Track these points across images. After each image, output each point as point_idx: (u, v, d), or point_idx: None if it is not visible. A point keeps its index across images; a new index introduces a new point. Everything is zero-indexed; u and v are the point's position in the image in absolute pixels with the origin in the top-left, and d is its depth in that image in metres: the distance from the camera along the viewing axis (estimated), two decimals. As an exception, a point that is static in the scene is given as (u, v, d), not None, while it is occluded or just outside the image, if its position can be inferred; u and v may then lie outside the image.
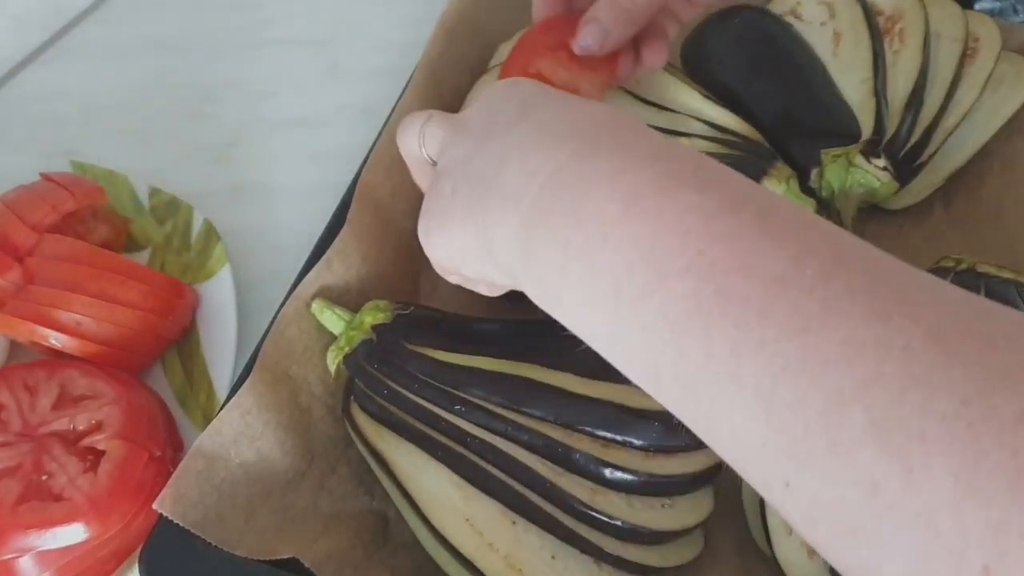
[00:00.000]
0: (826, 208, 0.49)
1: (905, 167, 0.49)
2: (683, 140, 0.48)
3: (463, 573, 0.37)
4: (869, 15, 0.52)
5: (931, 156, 0.49)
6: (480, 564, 0.36)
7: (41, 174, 0.52)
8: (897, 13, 0.52)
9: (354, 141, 0.55)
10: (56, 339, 0.45)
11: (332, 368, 0.42)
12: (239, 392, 0.40)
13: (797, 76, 0.51)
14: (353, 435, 0.42)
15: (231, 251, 0.53)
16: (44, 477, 0.41)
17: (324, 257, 0.43)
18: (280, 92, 0.64)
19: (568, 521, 0.37)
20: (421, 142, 0.35)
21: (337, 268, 0.44)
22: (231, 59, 0.66)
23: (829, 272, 0.21)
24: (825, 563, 0.37)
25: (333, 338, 0.43)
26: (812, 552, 0.37)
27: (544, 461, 0.38)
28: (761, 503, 0.40)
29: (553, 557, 0.37)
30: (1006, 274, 0.41)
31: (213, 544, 0.37)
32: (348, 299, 0.44)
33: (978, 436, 0.17)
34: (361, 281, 0.45)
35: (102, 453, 0.42)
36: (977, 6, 0.59)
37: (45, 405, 0.43)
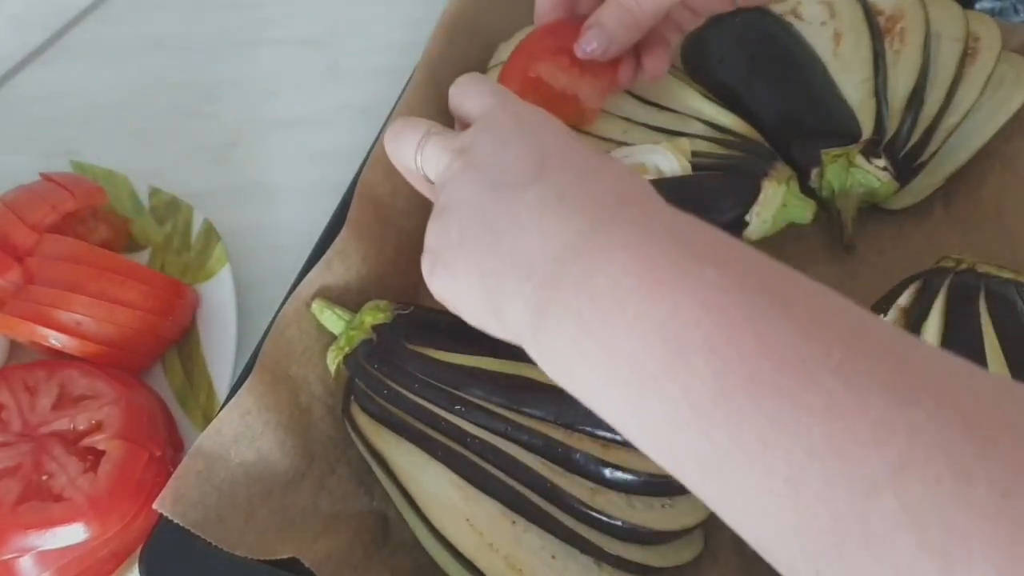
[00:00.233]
0: (826, 208, 0.49)
1: (905, 167, 0.49)
2: (683, 140, 0.48)
3: (463, 573, 0.37)
4: (869, 15, 0.52)
5: (931, 156, 0.49)
6: (480, 564, 0.36)
7: (41, 174, 0.52)
8: (897, 13, 0.52)
9: (354, 141, 0.55)
10: (56, 339, 0.45)
11: (332, 368, 0.42)
12: (239, 392, 0.40)
13: (797, 76, 0.51)
14: (353, 435, 0.42)
15: (231, 251, 0.53)
16: (44, 477, 0.41)
17: (324, 257, 0.43)
18: (280, 92, 0.64)
19: (568, 521, 0.37)
20: (418, 159, 0.34)
21: (337, 268, 0.44)
22: (231, 59, 0.66)
23: (854, 354, 0.21)
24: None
25: (333, 338, 0.43)
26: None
27: (544, 461, 0.38)
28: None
29: (553, 557, 0.37)
30: (1006, 274, 0.41)
31: (213, 544, 0.37)
32: (348, 299, 0.44)
33: (1022, 533, 0.17)
34: (361, 281, 0.45)
35: (102, 453, 0.42)
36: (977, 6, 0.59)
37: (45, 405, 0.43)
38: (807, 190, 0.49)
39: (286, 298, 0.44)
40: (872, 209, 0.50)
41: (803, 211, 0.47)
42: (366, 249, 0.45)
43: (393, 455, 0.39)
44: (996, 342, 0.38)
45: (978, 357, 0.38)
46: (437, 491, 0.38)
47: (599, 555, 0.37)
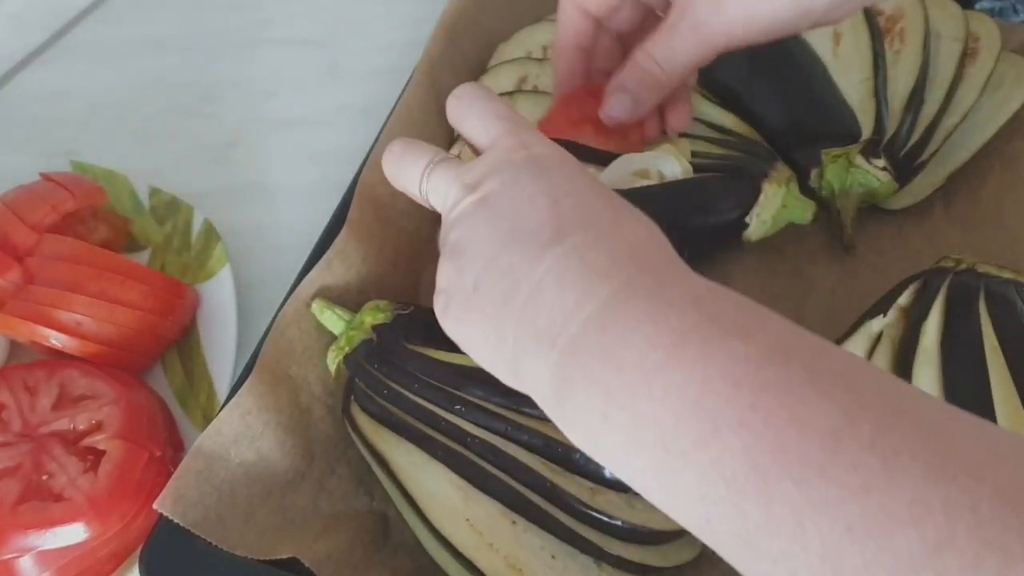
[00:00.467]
0: (826, 208, 0.49)
1: (905, 167, 0.49)
2: (683, 141, 0.48)
3: (463, 573, 0.37)
4: (869, 15, 0.52)
5: (931, 156, 0.49)
6: (480, 564, 0.36)
7: (41, 174, 0.52)
8: (897, 13, 0.52)
9: (354, 141, 0.55)
10: (56, 339, 0.45)
11: (332, 368, 0.42)
12: (239, 392, 0.40)
13: (797, 76, 0.51)
14: (353, 435, 0.42)
15: (231, 251, 0.53)
16: (44, 477, 0.41)
17: (324, 257, 0.43)
18: (280, 92, 0.64)
19: (568, 521, 0.37)
20: (423, 186, 0.34)
21: (337, 268, 0.44)
22: (231, 59, 0.66)
23: (885, 425, 0.21)
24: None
25: (333, 338, 0.43)
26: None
27: (544, 461, 0.38)
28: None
29: (553, 557, 0.37)
30: (1006, 274, 0.41)
31: (213, 544, 0.37)
32: (348, 299, 0.44)
33: None
34: (361, 281, 0.45)
35: (102, 453, 0.42)
36: (977, 6, 0.59)
37: (45, 405, 0.43)
38: (807, 190, 0.49)
39: (286, 298, 0.44)
40: (872, 209, 0.50)
41: (803, 212, 0.47)
42: (366, 249, 0.45)
43: (393, 455, 0.39)
44: (996, 342, 0.38)
45: (978, 357, 0.38)
46: (437, 491, 0.38)
47: (599, 555, 0.37)
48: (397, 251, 0.47)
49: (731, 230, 0.46)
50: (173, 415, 0.48)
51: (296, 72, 0.65)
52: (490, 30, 0.56)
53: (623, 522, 0.37)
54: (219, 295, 0.51)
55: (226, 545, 0.37)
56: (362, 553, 0.39)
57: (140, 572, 0.38)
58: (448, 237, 0.32)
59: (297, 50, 0.66)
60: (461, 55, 0.54)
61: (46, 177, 0.52)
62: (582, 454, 0.37)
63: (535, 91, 0.51)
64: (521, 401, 0.38)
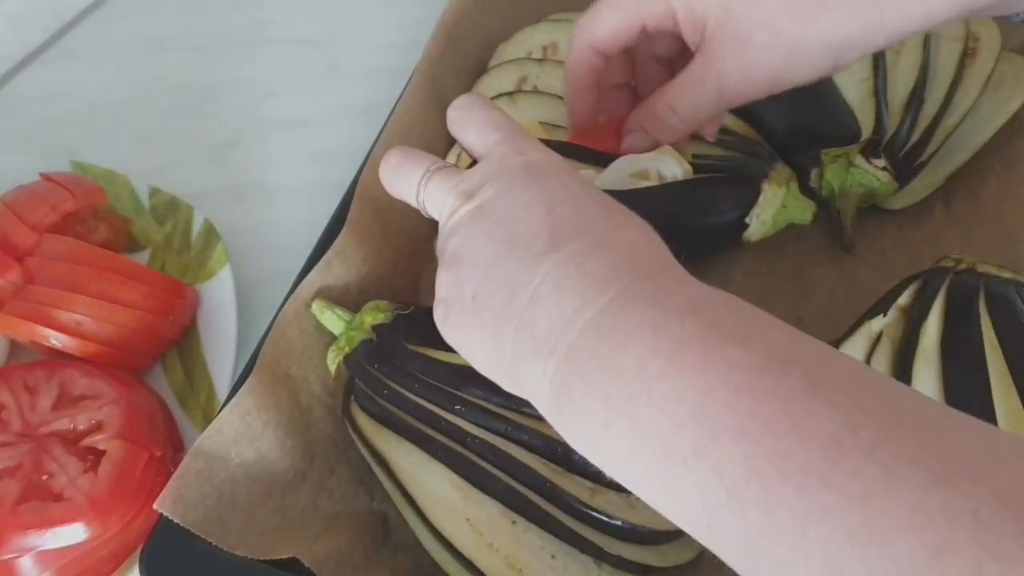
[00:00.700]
0: (826, 208, 0.49)
1: (905, 167, 0.49)
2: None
3: (463, 573, 0.37)
4: (869, 15, 0.52)
5: (931, 156, 0.49)
6: (480, 564, 0.36)
7: (41, 174, 0.52)
8: (897, 13, 0.52)
9: (354, 141, 0.55)
10: (56, 339, 0.45)
11: (332, 368, 0.42)
12: (239, 392, 0.40)
13: (797, 76, 0.51)
14: (353, 435, 0.42)
15: (231, 251, 0.53)
16: (44, 477, 0.41)
17: (324, 257, 0.43)
18: (280, 92, 0.64)
19: (568, 521, 0.37)
20: (421, 195, 0.34)
21: (337, 268, 0.44)
22: (231, 59, 0.66)
23: (885, 432, 0.21)
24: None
25: (333, 338, 0.43)
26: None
27: (544, 461, 0.38)
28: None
29: (553, 557, 0.37)
30: (1006, 274, 0.41)
31: (213, 544, 0.37)
32: (348, 299, 0.44)
33: None
34: (361, 281, 0.45)
35: (102, 453, 0.42)
36: (977, 6, 0.59)
37: (45, 405, 0.43)
38: (807, 190, 0.49)
39: (286, 298, 0.44)
40: (872, 209, 0.50)
41: (803, 212, 0.47)
42: (366, 249, 0.45)
43: (393, 455, 0.39)
44: (996, 342, 0.38)
45: (978, 357, 0.38)
46: (437, 491, 0.38)
47: (599, 555, 0.37)
48: (397, 251, 0.47)
49: (731, 230, 0.46)
50: (173, 415, 0.48)
51: (296, 72, 0.65)
52: (490, 30, 0.56)
53: (623, 522, 0.37)
54: (219, 295, 0.51)
55: (226, 545, 0.37)
56: (362, 553, 0.39)
57: (140, 572, 0.38)
58: (446, 246, 0.32)
59: (297, 50, 0.66)
60: (461, 55, 0.54)
61: (46, 177, 0.52)
62: (582, 454, 0.37)
63: (535, 91, 0.51)
64: (521, 401, 0.38)
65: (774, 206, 0.46)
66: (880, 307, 0.42)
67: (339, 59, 0.65)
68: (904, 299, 0.42)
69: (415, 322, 0.41)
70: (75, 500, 0.40)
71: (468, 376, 0.39)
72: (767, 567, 0.22)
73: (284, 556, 0.36)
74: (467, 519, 0.37)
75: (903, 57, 0.51)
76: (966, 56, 0.51)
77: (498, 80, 0.53)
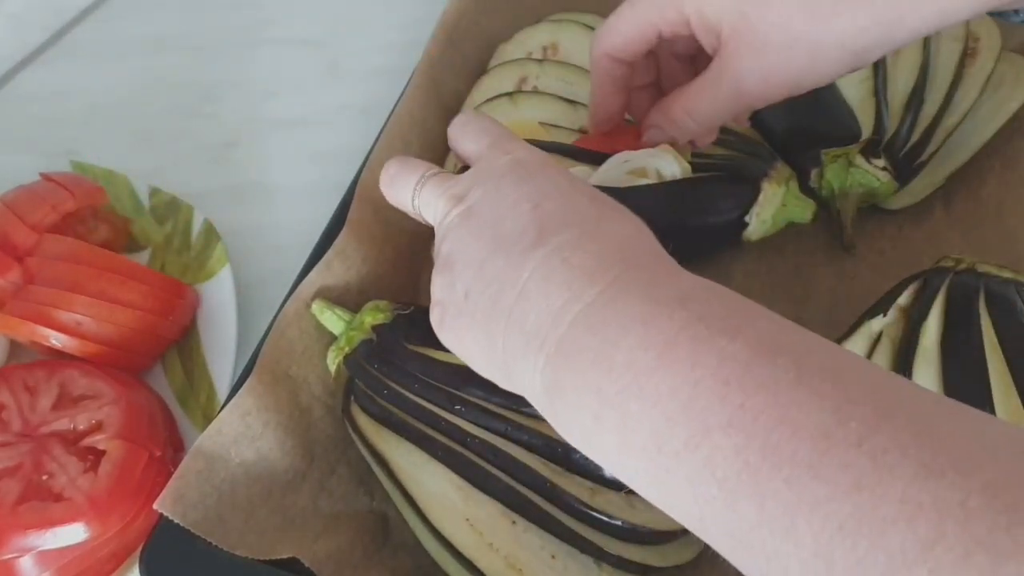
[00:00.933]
0: (826, 208, 0.49)
1: (905, 167, 0.49)
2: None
3: (463, 573, 0.37)
4: (869, 15, 0.52)
5: (931, 156, 0.49)
6: (480, 564, 0.36)
7: (41, 174, 0.52)
8: (897, 13, 0.52)
9: (354, 141, 0.55)
10: (56, 339, 0.45)
11: (332, 368, 0.42)
12: (239, 392, 0.40)
13: (797, 76, 0.51)
14: (353, 435, 0.42)
15: (231, 251, 0.53)
16: (44, 477, 0.41)
17: (324, 258, 0.43)
18: (280, 92, 0.64)
19: (568, 521, 0.37)
20: (416, 202, 0.35)
21: (337, 268, 0.44)
22: (231, 59, 0.66)
23: (874, 422, 0.21)
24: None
25: (333, 338, 0.43)
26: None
27: (544, 461, 0.38)
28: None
29: (553, 557, 0.37)
30: (1006, 274, 0.41)
31: (213, 544, 0.37)
32: (348, 299, 0.44)
33: None
34: (361, 281, 0.45)
35: (102, 453, 0.42)
36: (977, 6, 0.59)
37: (45, 405, 0.43)
38: (807, 190, 0.49)
39: (286, 298, 0.44)
40: (872, 209, 0.50)
41: (803, 211, 0.47)
42: (366, 249, 0.45)
43: (393, 455, 0.39)
44: (996, 342, 0.38)
45: (978, 357, 0.38)
46: (437, 491, 0.38)
47: (599, 555, 0.37)
48: (397, 251, 0.47)
49: (731, 229, 0.46)
50: (173, 415, 0.48)
51: (296, 72, 0.65)
52: (490, 31, 0.56)
53: (623, 522, 0.37)
54: (219, 295, 0.51)
55: (226, 545, 0.37)
56: (362, 553, 0.39)
57: (140, 572, 0.38)
58: (440, 249, 0.33)
59: (297, 50, 0.66)
60: (461, 55, 0.54)
61: (46, 177, 0.52)
62: (582, 454, 0.37)
63: (535, 91, 0.51)
64: (521, 401, 0.38)
65: (774, 205, 0.46)
66: (880, 307, 0.42)
67: (339, 59, 0.65)
68: (904, 299, 0.42)
69: (415, 322, 0.41)
70: (75, 500, 0.40)
71: (468, 376, 0.39)
72: (760, 559, 0.22)
73: (284, 556, 0.36)
74: (467, 519, 0.37)
75: (903, 57, 0.51)
76: (966, 56, 0.51)
77: (498, 80, 0.53)
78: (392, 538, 0.42)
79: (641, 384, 0.24)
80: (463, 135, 0.36)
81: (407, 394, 0.39)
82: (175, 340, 0.50)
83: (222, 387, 0.48)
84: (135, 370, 0.48)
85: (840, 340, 0.42)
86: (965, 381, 0.38)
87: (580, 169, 0.44)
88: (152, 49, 0.67)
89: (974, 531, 0.18)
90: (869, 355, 0.41)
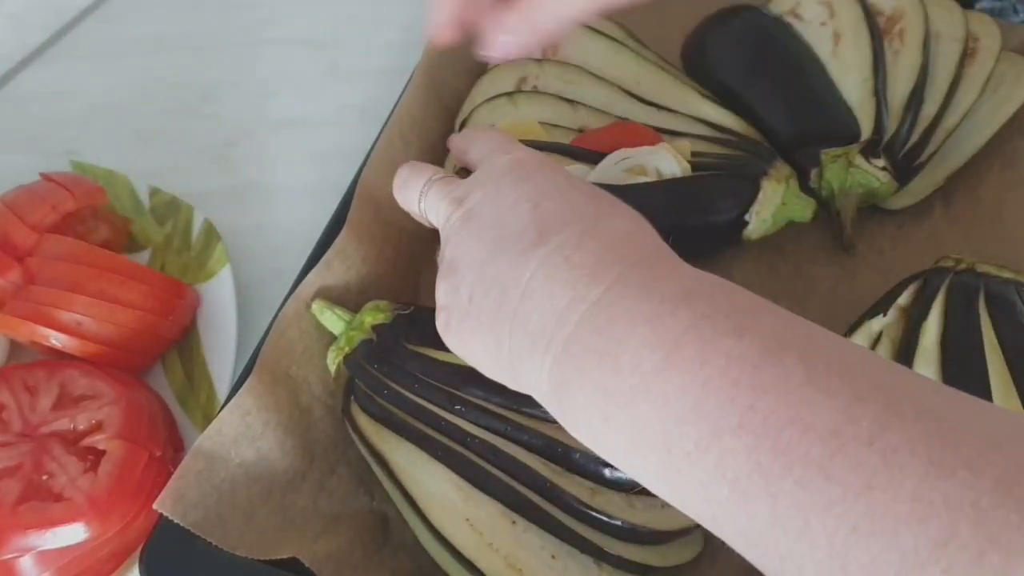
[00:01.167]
0: (826, 208, 0.49)
1: (905, 167, 0.49)
2: (683, 140, 0.48)
3: (463, 573, 0.37)
4: (869, 15, 0.52)
5: (931, 156, 0.49)
6: (480, 564, 0.36)
7: (41, 174, 0.52)
8: (897, 13, 0.52)
9: (354, 141, 0.55)
10: (56, 339, 0.45)
11: (332, 368, 0.42)
12: (239, 392, 0.40)
13: (797, 76, 0.51)
14: (353, 435, 0.42)
15: (231, 251, 0.53)
16: (44, 477, 0.41)
17: (324, 258, 0.43)
18: (280, 92, 0.64)
19: (568, 521, 0.37)
20: (422, 206, 0.35)
21: (337, 268, 0.44)
22: (231, 59, 0.66)
23: (884, 420, 0.21)
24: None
25: (333, 338, 0.43)
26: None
27: (544, 461, 0.38)
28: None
29: (553, 557, 0.37)
30: (1006, 274, 0.41)
31: (213, 544, 0.37)
32: (348, 299, 0.44)
33: None
34: (361, 281, 0.45)
35: (102, 453, 0.42)
36: (977, 6, 0.59)
37: (45, 405, 0.43)
38: (807, 190, 0.49)
39: (286, 298, 0.44)
40: (872, 209, 0.50)
41: (803, 209, 0.47)
42: (366, 249, 0.45)
43: (393, 455, 0.39)
44: (996, 342, 0.38)
45: (978, 357, 0.38)
46: (437, 491, 0.38)
47: (599, 555, 0.37)
48: (397, 251, 0.47)
49: (731, 228, 0.46)
50: (173, 415, 0.48)
51: (296, 72, 0.65)
52: (490, 30, 0.56)
53: (623, 522, 0.37)
54: (219, 295, 0.51)
55: (226, 545, 0.37)
56: (362, 553, 0.39)
57: (140, 572, 0.38)
58: (443, 254, 0.33)
59: (297, 50, 0.66)
60: (461, 55, 0.54)
61: (46, 177, 0.52)
62: (582, 454, 0.37)
63: (535, 91, 0.51)
64: (521, 401, 0.38)
65: (774, 203, 0.46)
66: (880, 307, 0.42)
67: (339, 59, 0.65)
68: (904, 299, 0.42)
69: (415, 322, 0.41)
70: (75, 500, 0.40)
71: (468, 376, 0.39)
72: (774, 558, 0.22)
73: (284, 556, 0.36)
74: (467, 519, 0.37)
75: (903, 57, 0.51)
76: (966, 56, 0.51)
77: (498, 80, 0.53)
78: (392, 538, 0.42)
79: (648, 386, 0.24)
80: (470, 146, 0.36)
81: (407, 394, 0.39)
82: (175, 340, 0.50)
83: (222, 387, 0.48)
84: (135, 370, 0.48)
85: (840, 340, 0.42)
86: (965, 381, 0.38)
87: (577, 167, 0.44)
88: (152, 49, 0.67)
89: (987, 530, 0.18)
90: (869, 355, 0.41)
